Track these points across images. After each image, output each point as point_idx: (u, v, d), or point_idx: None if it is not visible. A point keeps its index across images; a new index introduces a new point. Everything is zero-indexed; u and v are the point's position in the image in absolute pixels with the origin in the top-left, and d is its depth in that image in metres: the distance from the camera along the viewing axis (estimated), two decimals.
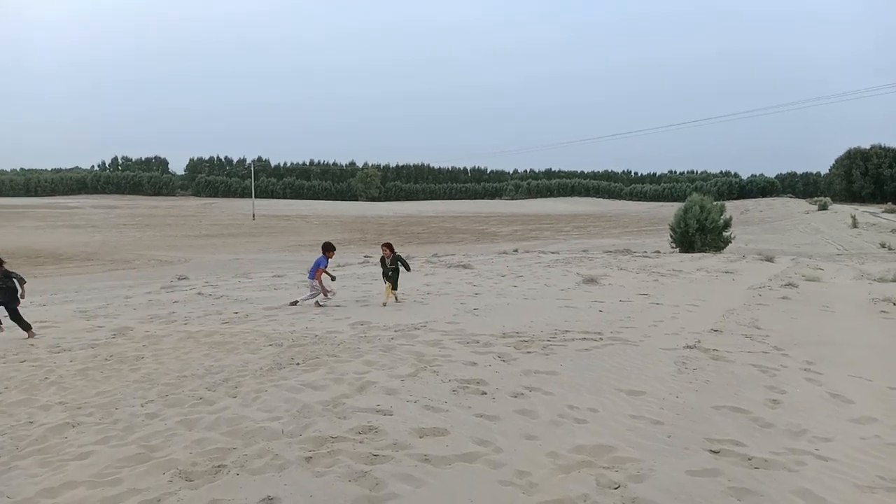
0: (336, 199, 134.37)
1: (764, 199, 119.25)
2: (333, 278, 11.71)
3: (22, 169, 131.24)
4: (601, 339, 7.83)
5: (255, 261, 30.48)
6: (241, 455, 4.22)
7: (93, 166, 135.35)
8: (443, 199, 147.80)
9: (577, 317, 9.50)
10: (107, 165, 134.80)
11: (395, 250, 11.44)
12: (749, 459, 4.15)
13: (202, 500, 3.59)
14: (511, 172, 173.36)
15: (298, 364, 6.65)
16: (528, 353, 7.05)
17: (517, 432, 4.61)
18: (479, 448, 4.30)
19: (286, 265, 25.41)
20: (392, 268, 11.10)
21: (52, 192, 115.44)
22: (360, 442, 4.42)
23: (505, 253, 26.17)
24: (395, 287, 11.13)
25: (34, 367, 6.66)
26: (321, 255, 11.12)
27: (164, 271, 24.87)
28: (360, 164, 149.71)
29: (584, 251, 26.92)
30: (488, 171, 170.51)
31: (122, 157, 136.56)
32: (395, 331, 8.36)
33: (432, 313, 9.82)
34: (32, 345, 7.83)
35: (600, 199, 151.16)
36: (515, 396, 5.44)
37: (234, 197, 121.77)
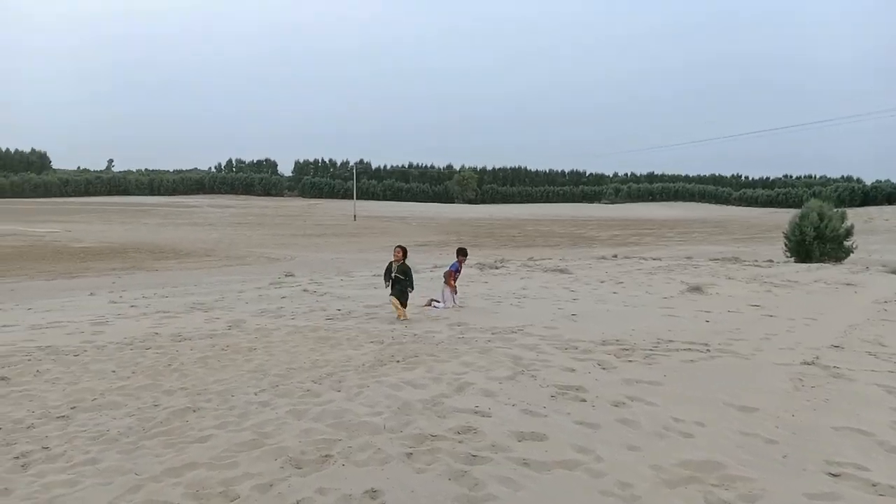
0: (433, 201, 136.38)
1: (890, 206, 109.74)
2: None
3: (147, 170, 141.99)
4: (708, 350, 7.49)
5: (356, 260, 31.49)
6: (346, 447, 4.38)
7: (210, 168, 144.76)
8: (539, 202, 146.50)
9: (682, 326, 9.14)
10: (222, 167, 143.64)
11: (406, 258, 9.96)
12: (873, 485, 3.85)
13: (310, 487, 3.76)
14: (611, 175, 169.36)
15: (398, 362, 6.82)
16: (630, 361, 6.86)
17: (618, 442, 4.51)
18: (579, 456, 4.24)
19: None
20: (398, 276, 9.60)
21: (173, 191, 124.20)
22: (460, 442, 4.47)
23: (604, 258, 25.58)
24: (403, 297, 9.56)
25: (158, 354, 7.20)
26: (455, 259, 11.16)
27: (272, 268, 26.17)
28: (457, 167, 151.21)
29: (688, 258, 25.84)
30: (587, 174, 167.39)
31: (236, 160, 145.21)
32: (492, 333, 8.39)
33: (529, 317, 9.76)
34: (157, 333, 8.47)
35: (706, 204, 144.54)
36: (616, 405, 5.31)
37: (336, 198, 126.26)
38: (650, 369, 6.53)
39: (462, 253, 11.33)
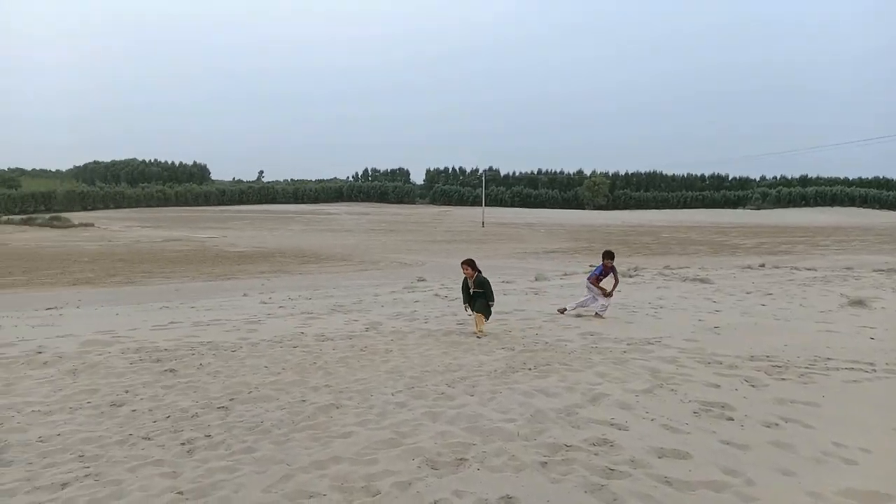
0: (563, 207, 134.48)
1: None
2: (609, 294, 10.64)
3: (292, 179, 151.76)
4: (874, 370, 6.76)
5: (484, 266, 31.77)
6: (481, 451, 4.42)
7: (348, 177, 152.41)
8: (676, 207, 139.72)
9: (842, 343, 8.32)
10: (359, 176, 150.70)
11: (479, 269, 9.25)
12: None
13: (447, 489, 3.83)
14: (757, 179, 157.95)
15: (530, 369, 6.78)
16: (782, 379, 6.35)
17: (771, 465, 4.18)
18: (726, 477, 3.98)
19: (513, 272, 26.05)
20: (478, 291, 9.07)
21: (315, 199, 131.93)
22: (595, 454, 4.36)
23: (749, 268, 23.89)
24: (487, 311, 9.02)
25: (305, 353, 7.67)
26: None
27: (405, 273, 27.01)
28: (587, 173, 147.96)
29: (847, 269, 23.48)
30: (729, 178, 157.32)
31: (372, 169, 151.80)
32: (628, 344, 8.11)
33: (667, 328, 9.33)
34: (303, 333, 9.03)
35: (869, 210, 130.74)
36: (768, 426, 4.94)
37: (466, 205, 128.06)
38: (806, 389, 6.00)
39: (608, 256, 10.75)
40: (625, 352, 7.65)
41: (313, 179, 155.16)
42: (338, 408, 5.45)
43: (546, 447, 4.49)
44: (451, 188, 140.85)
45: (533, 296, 13.73)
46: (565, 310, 10.71)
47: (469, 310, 9.26)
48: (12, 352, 7.75)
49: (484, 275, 9.19)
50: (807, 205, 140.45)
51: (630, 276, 18.63)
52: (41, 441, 4.73)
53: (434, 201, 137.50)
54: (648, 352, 7.65)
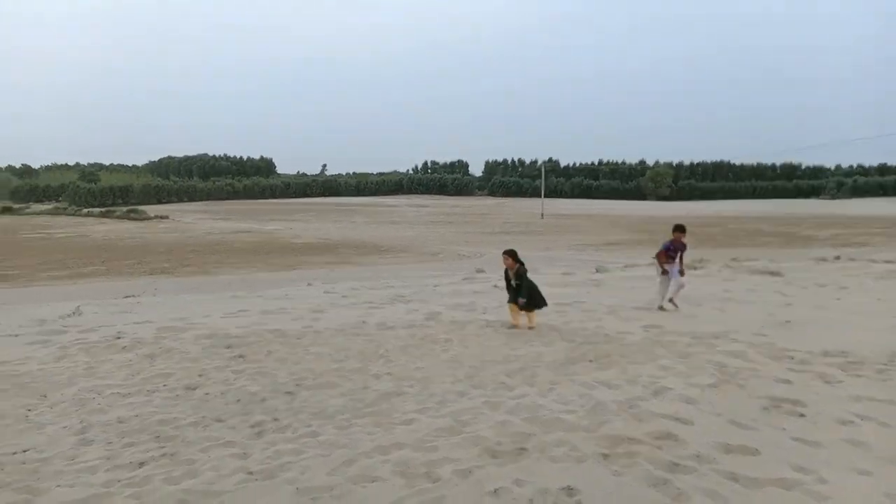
0: (624, 198, 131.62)
1: None
2: (682, 272, 10.19)
3: (354, 172, 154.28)
4: None
5: (542, 258, 31.46)
6: (541, 441, 4.42)
7: (408, 170, 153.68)
8: (744, 198, 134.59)
9: None
10: (419, 169, 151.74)
11: (521, 260, 8.86)
12: None
13: (507, 477, 3.85)
14: (833, 168, 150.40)
15: (591, 361, 6.71)
16: (858, 376, 6.07)
17: (845, 464, 4.02)
18: (797, 475, 3.85)
19: (573, 263, 25.74)
20: (518, 283, 8.77)
21: (376, 192, 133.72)
22: (659, 448, 4.30)
23: (824, 260, 22.81)
24: (525, 306, 8.59)
25: (367, 342, 7.82)
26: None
27: (463, 264, 27.08)
28: (650, 163, 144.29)
29: None
30: (802, 167, 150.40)
31: (431, 162, 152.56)
32: (692, 338, 7.90)
33: (734, 322, 9.04)
34: (365, 322, 9.20)
35: None
36: (843, 423, 4.74)
37: (524, 197, 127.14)
38: (885, 386, 5.72)
39: (679, 229, 10.04)
40: (689, 345, 7.47)
41: (374, 172, 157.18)
42: (399, 395, 5.55)
43: (607, 439, 4.45)
44: (509, 180, 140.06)
45: (593, 287, 13.55)
46: (662, 307, 10.06)
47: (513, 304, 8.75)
48: (94, 337, 8.21)
49: (525, 266, 8.87)
50: (885, 194, 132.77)
51: (695, 268, 18.10)
52: (120, 422, 5.02)
53: (492, 193, 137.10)
54: (714, 346, 7.44)
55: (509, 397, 5.46)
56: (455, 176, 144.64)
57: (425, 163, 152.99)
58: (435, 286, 14.31)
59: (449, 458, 4.17)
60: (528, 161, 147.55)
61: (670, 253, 10.11)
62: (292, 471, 4.04)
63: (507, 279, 9.01)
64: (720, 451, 4.26)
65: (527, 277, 8.70)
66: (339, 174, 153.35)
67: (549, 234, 48.40)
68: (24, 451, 4.42)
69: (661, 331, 8.40)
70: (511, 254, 8.88)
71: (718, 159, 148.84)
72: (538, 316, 8.84)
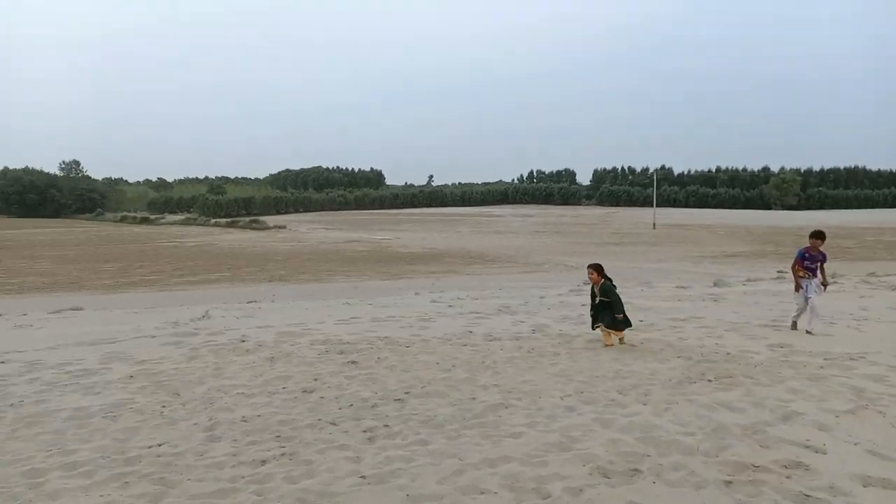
0: (745, 207, 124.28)
1: None
2: (825, 284, 9.22)
3: (460, 183, 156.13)
4: None
5: (654, 270, 30.33)
6: (656, 464, 4.23)
7: (513, 179, 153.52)
8: (883, 206, 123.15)
9: None
10: (524, 178, 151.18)
11: (606, 274, 8.33)
12: None
13: (620, 499, 3.72)
14: None
15: (710, 381, 6.36)
16: None
17: None
18: None
19: (688, 276, 24.60)
20: (604, 300, 8.15)
21: (481, 202, 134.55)
22: (788, 477, 3.99)
23: None
24: (614, 325, 8.03)
25: (473, 352, 7.85)
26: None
27: (570, 275, 26.61)
28: (774, 169, 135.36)
29: None
30: None
31: (537, 171, 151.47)
32: (825, 359, 7.30)
33: (873, 342, 8.26)
34: (471, 332, 9.24)
35: None
36: None
37: (635, 206, 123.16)
38: None
39: (817, 236, 8.97)
40: (822, 367, 6.90)
41: (480, 182, 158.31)
42: (507, 407, 5.52)
43: (730, 465, 4.19)
44: (619, 188, 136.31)
45: (711, 302, 12.86)
46: (795, 325, 9.25)
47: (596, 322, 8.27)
48: (221, 339, 8.79)
49: (612, 282, 8.32)
50: None
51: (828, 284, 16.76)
52: (244, 421, 5.32)
53: (601, 202, 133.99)
54: (850, 368, 6.83)
55: (622, 415, 5.27)
56: (562, 185, 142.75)
57: (531, 172, 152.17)
58: (541, 297, 14.15)
59: (559, 475, 4.08)
60: (638, 169, 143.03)
61: (807, 263, 9.07)
62: (403, 477, 4.11)
63: (593, 295, 8.38)
64: (857, 483, 3.89)
65: (615, 292, 8.14)
66: (445, 185, 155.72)
67: (662, 245, 46.63)
68: (160, 445, 4.79)
69: (790, 350, 7.82)
70: (596, 268, 8.35)
71: (853, 164, 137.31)
72: (629, 332, 8.34)
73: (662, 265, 35.12)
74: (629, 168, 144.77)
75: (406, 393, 6.02)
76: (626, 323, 8.17)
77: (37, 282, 23.82)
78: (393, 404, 5.68)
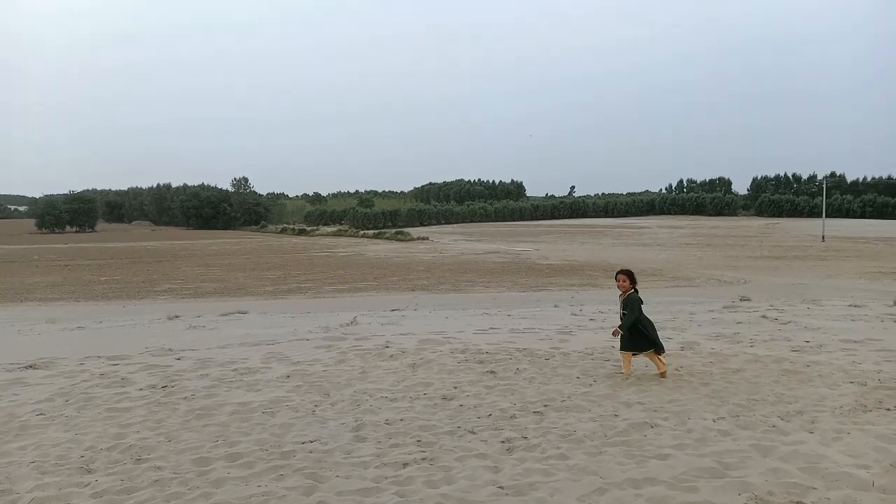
0: None
1: None
2: None
3: (603, 194, 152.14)
4: None
5: (823, 287, 27.55)
6: (822, 497, 3.83)
7: (661, 189, 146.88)
8: None
9: None
10: (672, 188, 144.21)
11: (636, 284, 7.35)
12: None
13: None
14: None
15: (889, 409, 5.65)
16: None
17: None
18: None
19: (864, 294, 22.09)
20: (623, 313, 7.21)
21: (625, 213, 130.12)
22: None
23: None
24: (634, 346, 7.07)
25: (616, 368, 7.54)
26: None
27: (723, 291, 24.93)
28: None
29: None
30: None
31: (688, 180, 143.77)
32: None
33: None
34: (614, 347, 8.90)
35: None
36: None
37: (800, 217, 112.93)
38: None
39: None
40: None
41: (624, 193, 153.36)
42: (652, 427, 5.25)
43: None
44: (781, 198, 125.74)
45: (892, 323, 11.45)
46: None
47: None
48: (367, 345, 9.19)
49: (639, 294, 7.30)
50: None
51: None
52: (388, 423, 5.50)
53: (760, 213, 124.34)
54: None
55: (783, 443, 4.82)
56: (714, 195, 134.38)
57: (680, 181, 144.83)
58: (691, 314, 13.37)
59: (710, 503, 3.80)
60: (804, 176, 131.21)
61: None
62: (541, 491, 4.04)
63: (621, 306, 7.36)
64: None
65: (639, 308, 7.12)
66: (587, 195, 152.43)
67: (832, 259, 42.40)
68: (311, 442, 5.08)
69: None
70: (628, 274, 7.37)
71: None
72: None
73: (832, 281, 31.94)
74: (794, 175, 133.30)
75: (545, 406, 5.93)
76: (638, 346, 7.06)
77: (209, 287, 26.38)
78: (532, 416, 5.61)
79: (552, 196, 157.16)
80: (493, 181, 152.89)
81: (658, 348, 7.05)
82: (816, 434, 5.01)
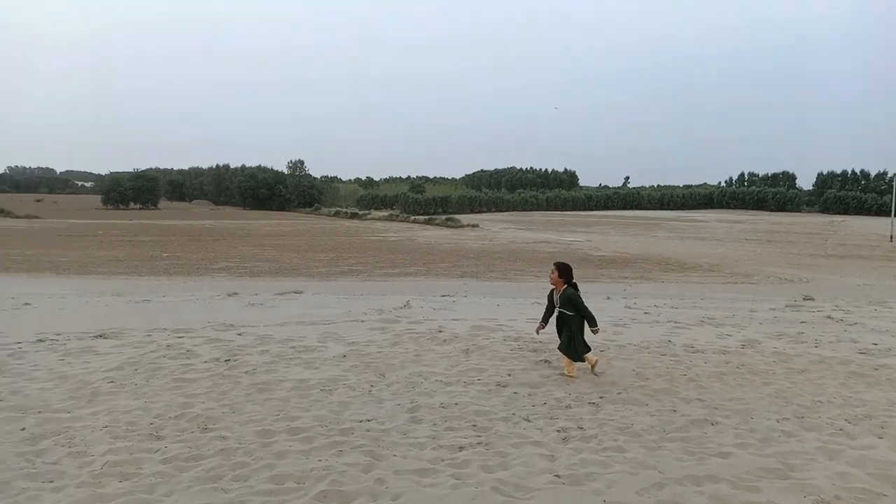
0: None
1: None
2: None
3: (658, 185, 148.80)
4: None
5: (891, 287, 26.32)
6: None
7: (720, 182, 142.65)
8: None
9: None
10: (733, 181, 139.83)
11: (573, 277, 6.67)
12: None
13: None
14: None
15: None
16: None
17: None
18: None
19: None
20: (562, 312, 6.59)
21: (681, 206, 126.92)
22: None
23: None
24: (569, 349, 6.51)
25: (673, 362, 7.42)
26: None
27: (785, 289, 24.11)
28: None
29: None
30: None
31: (749, 173, 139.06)
32: None
33: None
34: (670, 342, 8.75)
35: None
36: None
37: (867, 215, 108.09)
38: None
39: None
40: None
41: (681, 185, 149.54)
42: (713, 424, 5.14)
43: None
44: (848, 194, 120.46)
45: None
46: None
47: (540, 329, 6.91)
48: (420, 329, 9.27)
49: (575, 290, 6.63)
50: None
51: None
52: (443, 407, 5.56)
53: (825, 210, 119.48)
54: None
55: (851, 447, 4.66)
56: (777, 189, 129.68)
57: (741, 174, 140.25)
58: (751, 311, 12.98)
59: (773, 502, 3.71)
60: (873, 173, 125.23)
61: None
62: (599, 482, 4.01)
63: (550, 304, 6.87)
64: None
65: (583, 305, 6.52)
66: (642, 186, 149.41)
67: None
68: (369, 421, 5.18)
69: None
70: (560, 267, 6.67)
71: None
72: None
73: None
74: (861, 172, 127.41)
75: (601, 397, 5.88)
76: (569, 352, 6.55)
77: (264, 267, 27.04)
78: (587, 407, 5.57)
79: (605, 186, 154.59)
80: (546, 170, 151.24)
81: (575, 357, 6.56)
82: (886, 440, 4.82)
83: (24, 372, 6.52)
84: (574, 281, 6.78)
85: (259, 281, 21.68)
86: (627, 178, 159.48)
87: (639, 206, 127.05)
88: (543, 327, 6.97)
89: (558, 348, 6.78)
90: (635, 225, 79.76)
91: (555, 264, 6.82)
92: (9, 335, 8.33)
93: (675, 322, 10.75)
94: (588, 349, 6.64)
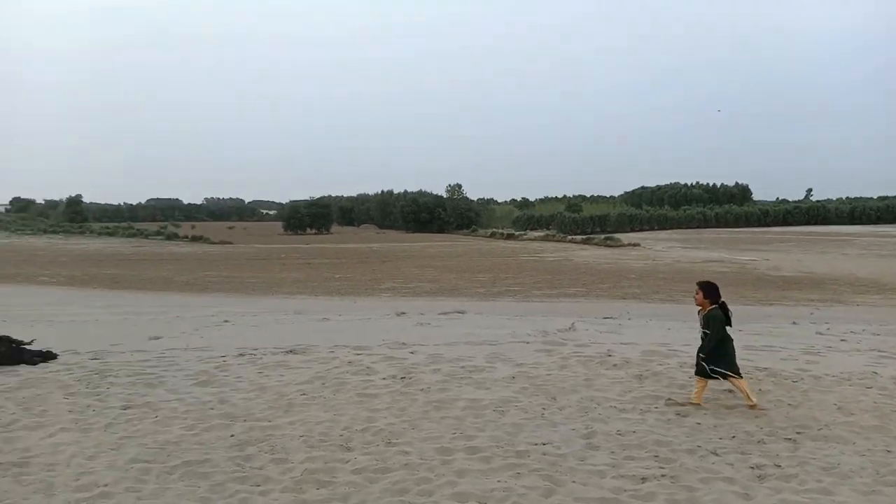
0: None
1: None
2: None
3: (848, 198, 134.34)
4: None
5: None
6: None
7: None
8: None
9: None
10: None
11: (720, 296, 6.28)
12: None
13: None
14: None
15: None
16: None
17: None
18: None
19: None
20: (705, 332, 6.18)
21: (877, 220, 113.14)
22: None
23: None
24: (703, 371, 6.02)
25: (883, 396, 6.61)
26: None
27: None
28: None
29: None
30: None
31: None
32: None
33: None
34: (876, 373, 7.78)
35: None
36: None
37: None
38: None
39: None
40: None
41: (875, 197, 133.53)
42: None
43: None
44: None
45: None
46: None
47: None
48: (588, 352, 9.08)
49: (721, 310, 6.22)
50: None
51: None
52: (620, 434, 5.38)
53: None
54: None
55: None
56: None
57: None
58: None
59: None
60: None
61: None
62: None
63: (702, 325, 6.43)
64: None
65: (723, 328, 6.16)
66: (828, 199, 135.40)
67: None
68: (544, 444, 5.15)
69: None
70: (704, 287, 6.38)
71: None
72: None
73: None
74: None
75: (798, 433, 5.37)
76: (705, 370, 6.13)
77: (426, 287, 28.02)
78: (784, 443, 5.12)
79: (784, 200, 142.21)
80: (715, 184, 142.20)
81: (737, 373, 6.18)
82: None
83: (230, 383, 7.30)
84: (722, 300, 6.47)
85: (421, 301, 22.52)
86: (810, 189, 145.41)
87: (825, 221, 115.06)
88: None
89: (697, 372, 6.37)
90: (821, 241, 72.27)
91: (698, 283, 6.62)
92: (214, 349, 9.39)
93: (880, 351, 9.57)
94: (733, 368, 6.17)
